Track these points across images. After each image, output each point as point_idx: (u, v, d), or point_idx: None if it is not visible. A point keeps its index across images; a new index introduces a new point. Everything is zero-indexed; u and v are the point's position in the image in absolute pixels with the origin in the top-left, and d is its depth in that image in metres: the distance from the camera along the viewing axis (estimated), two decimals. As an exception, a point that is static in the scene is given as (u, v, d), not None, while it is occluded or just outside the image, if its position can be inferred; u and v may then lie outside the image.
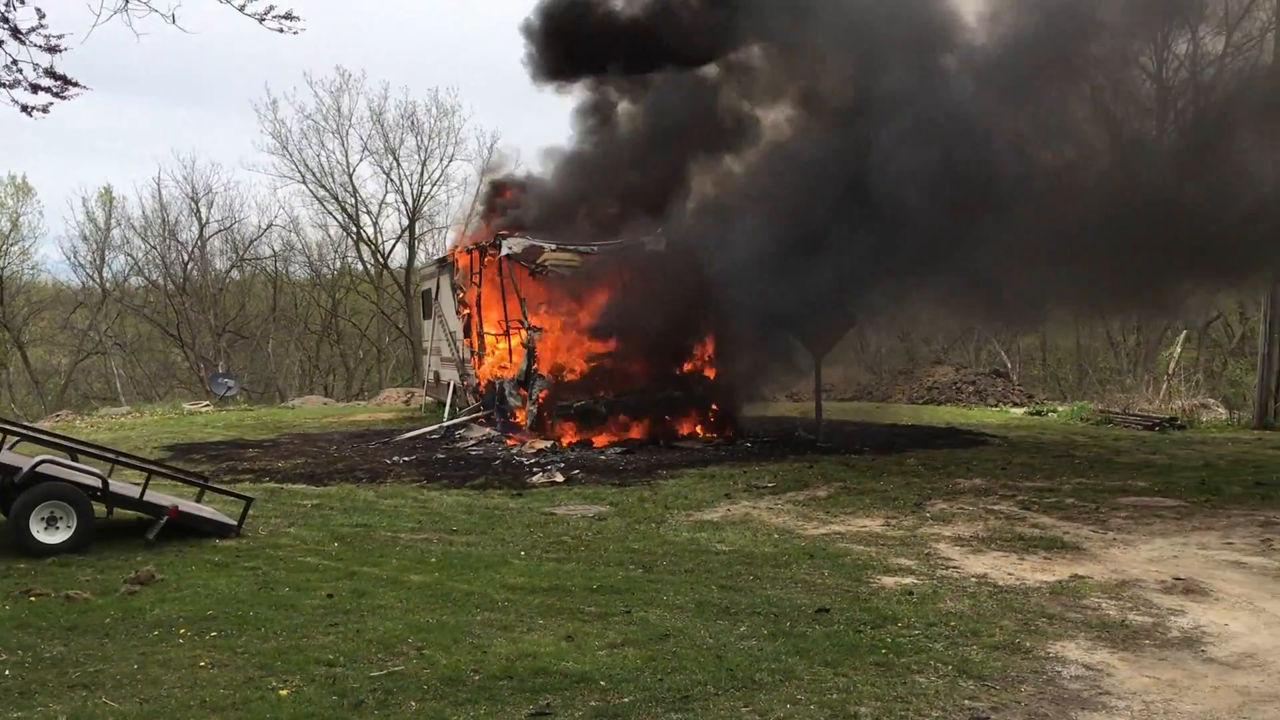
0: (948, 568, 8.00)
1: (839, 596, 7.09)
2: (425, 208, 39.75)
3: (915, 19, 14.64)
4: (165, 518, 8.63)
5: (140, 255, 40.81)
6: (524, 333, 16.22)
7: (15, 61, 7.39)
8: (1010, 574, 7.82)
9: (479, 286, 17.94)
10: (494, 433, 16.69)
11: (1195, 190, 12.98)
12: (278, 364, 40.75)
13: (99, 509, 8.65)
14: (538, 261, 16.54)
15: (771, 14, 15.70)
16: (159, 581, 7.40)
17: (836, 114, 15.45)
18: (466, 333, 18.61)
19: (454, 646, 6.00)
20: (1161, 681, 5.50)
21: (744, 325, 16.05)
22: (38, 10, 7.34)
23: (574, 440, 15.44)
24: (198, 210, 39.88)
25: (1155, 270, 13.93)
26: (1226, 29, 25.16)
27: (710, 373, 16.79)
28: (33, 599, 6.94)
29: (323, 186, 38.57)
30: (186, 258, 40.34)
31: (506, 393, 16.72)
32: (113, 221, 40.60)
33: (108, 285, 41.05)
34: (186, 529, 8.86)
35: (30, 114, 7.35)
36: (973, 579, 7.63)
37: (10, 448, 9.45)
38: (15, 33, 7.33)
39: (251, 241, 40.69)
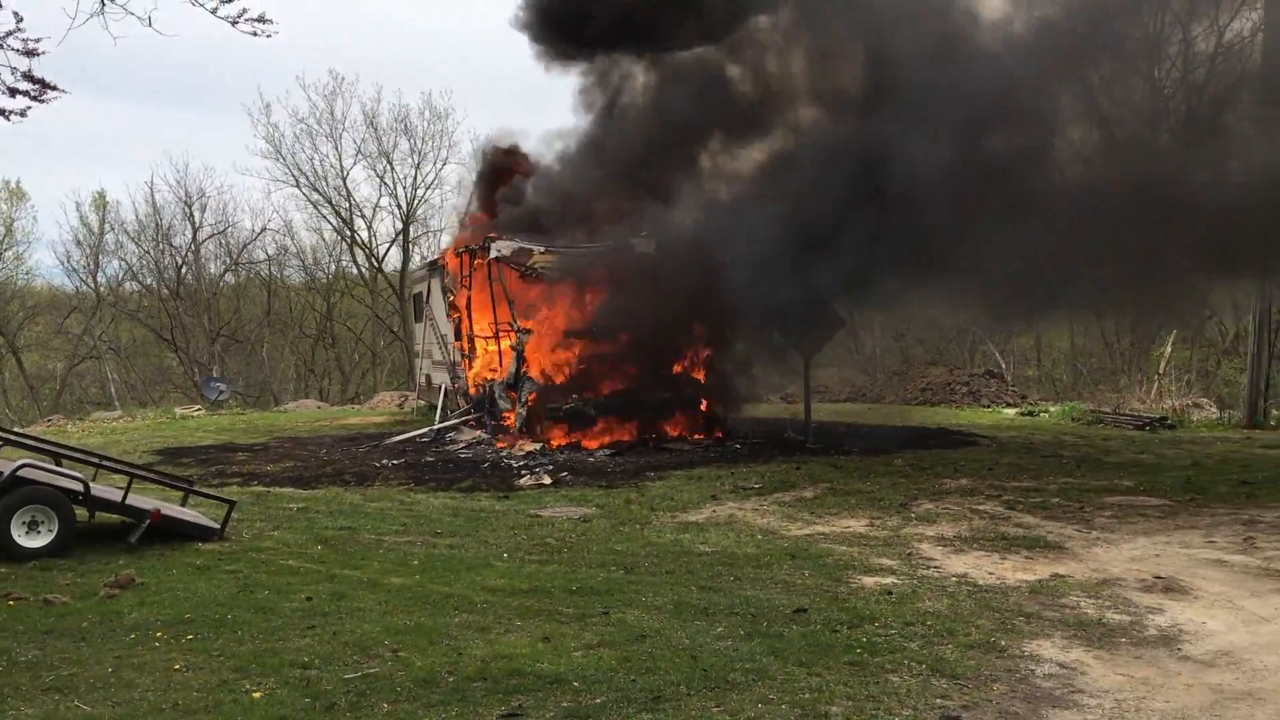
0: (929, 568, 8.01)
1: (818, 597, 7.09)
2: (419, 211, 39.78)
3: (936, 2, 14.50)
4: (147, 521, 8.63)
5: (134, 260, 40.83)
6: (513, 335, 16.23)
7: (-8, 66, 7.39)
8: (991, 573, 7.83)
9: (469, 289, 17.94)
10: (484, 435, 16.70)
11: (1202, 184, 12.92)
12: (272, 368, 40.71)
13: (81, 513, 8.65)
14: (527, 264, 16.55)
15: None
16: (139, 585, 7.39)
17: (849, 101, 15.20)
18: (457, 335, 18.61)
19: (430, 648, 6.00)
20: (1135, 679, 5.51)
21: (736, 325, 16.03)
22: (15, 14, 7.35)
23: (564, 442, 15.45)
24: (191, 214, 39.87)
25: (1169, 266, 13.77)
26: (1218, 30, 25.27)
27: (700, 374, 16.78)
28: (11, 603, 6.94)
29: (316, 190, 38.57)
30: (180, 262, 40.32)
31: (496, 395, 16.73)
32: (106, 226, 40.61)
33: (102, 290, 41.02)
34: (170, 533, 8.85)
35: (8, 118, 7.35)
36: (953, 579, 7.63)
37: (-6, 453, 9.45)
38: (-8, 37, 7.34)
39: (245, 245, 40.71)
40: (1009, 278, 13.78)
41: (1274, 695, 5.30)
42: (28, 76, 7.46)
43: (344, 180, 38.75)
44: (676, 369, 16.81)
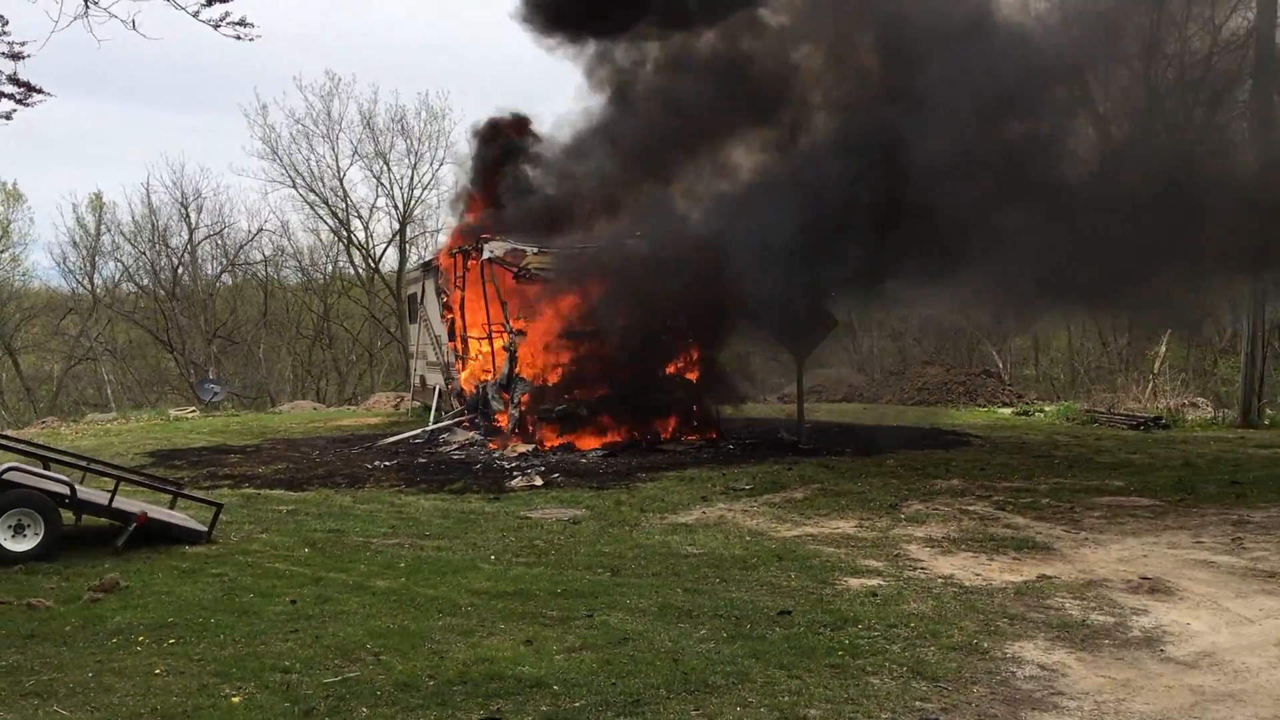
0: (915, 569, 8.00)
1: (803, 598, 7.08)
2: (416, 212, 39.79)
3: None
4: (134, 524, 8.62)
5: (130, 261, 40.82)
6: (506, 336, 16.21)
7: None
8: (978, 574, 7.82)
9: (462, 290, 17.94)
10: (478, 437, 16.69)
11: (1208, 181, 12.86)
12: (269, 369, 40.71)
13: (67, 516, 8.64)
14: (521, 265, 16.53)
15: None
16: (123, 589, 7.38)
17: (868, 80, 14.96)
18: (451, 336, 18.61)
19: (412, 652, 5.99)
20: (1116, 681, 5.50)
21: (734, 322, 15.93)
22: (0, 17, 7.34)
23: (556, 444, 15.43)
24: (187, 215, 39.87)
25: (1176, 263, 13.66)
26: (1213, 28, 25.29)
27: (693, 375, 16.76)
28: (-6, 607, 6.93)
29: (313, 191, 38.59)
30: (176, 263, 40.31)
31: (489, 396, 16.73)
32: (103, 228, 40.60)
33: (98, 291, 41.00)
34: (157, 535, 8.85)
35: (-8, 120, 7.34)
36: (939, 580, 7.63)
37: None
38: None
39: (242, 246, 40.71)
40: (1025, 269, 13.50)
41: (1254, 696, 5.30)
42: (13, 80, 7.47)
43: (340, 181, 38.80)
44: (670, 369, 16.79)
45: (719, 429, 16.58)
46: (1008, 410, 22.92)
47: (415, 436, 17.26)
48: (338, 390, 39.63)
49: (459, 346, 18.27)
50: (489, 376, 17.13)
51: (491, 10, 54.05)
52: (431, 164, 39.03)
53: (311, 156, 38.48)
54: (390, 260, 40.32)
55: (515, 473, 13.22)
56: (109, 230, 40.60)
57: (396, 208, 39.36)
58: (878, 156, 13.26)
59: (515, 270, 16.39)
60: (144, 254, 40.31)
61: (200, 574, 7.93)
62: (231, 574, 7.94)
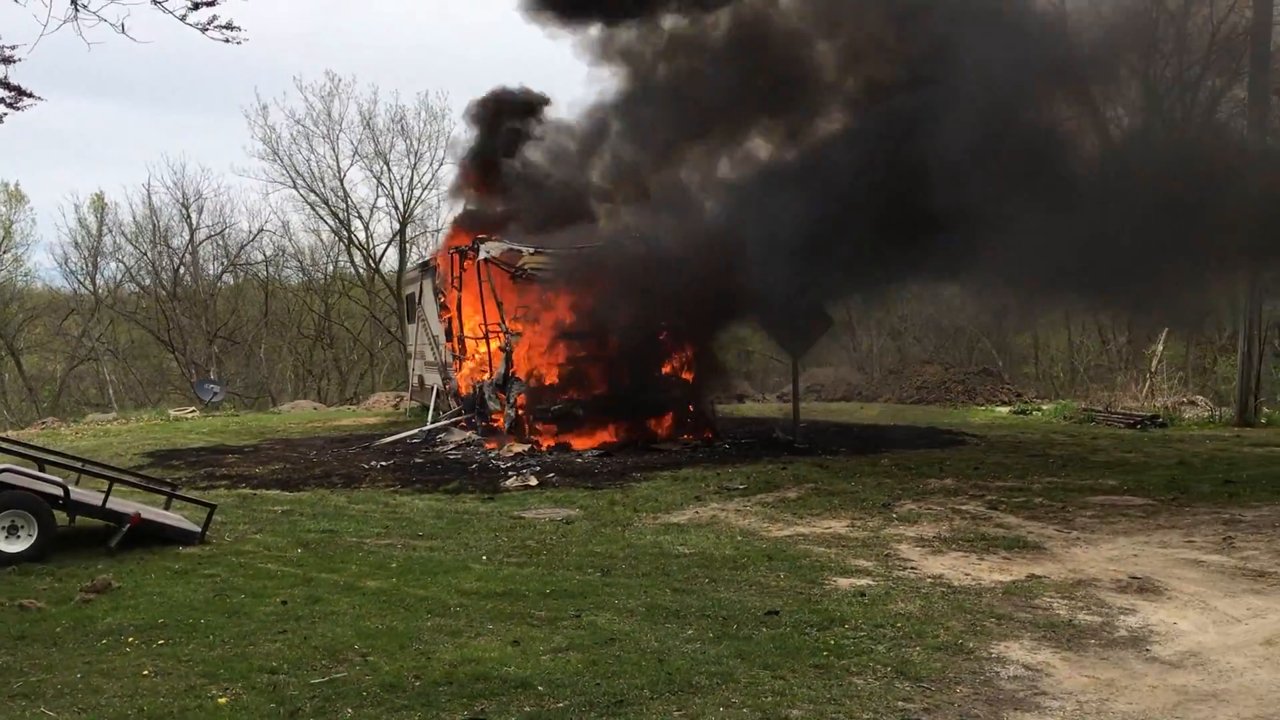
0: (905, 569, 8.02)
1: (791, 598, 7.10)
2: (416, 211, 39.81)
3: None
4: (127, 525, 8.65)
5: (132, 261, 40.87)
6: (502, 337, 16.24)
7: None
8: (967, 574, 7.84)
9: (459, 290, 17.96)
10: (475, 436, 16.72)
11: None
12: (270, 369, 40.75)
13: (61, 517, 8.67)
14: (517, 266, 16.55)
15: None
16: (115, 590, 7.42)
17: (895, 63, 14.74)
18: (448, 336, 18.63)
19: (399, 653, 6.02)
20: (1100, 681, 5.52)
21: (733, 320, 15.89)
22: (-10, 22, 7.37)
23: (552, 444, 15.46)
24: (188, 216, 39.89)
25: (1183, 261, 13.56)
26: (1212, 24, 25.31)
27: (689, 375, 16.78)
28: (-14, 608, 6.97)
29: (314, 191, 38.60)
30: (178, 263, 40.35)
31: (486, 396, 16.76)
32: (105, 228, 40.65)
33: (100, 292, 41.06)
34: (151, 536, 8.88)
35: (-17, 124, 7.36)
36: (928, 580, 7.65)
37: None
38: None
39: (243, 246, 40.71)
40: (1042, 262, 13.28)
41: (1237, 696, 5.32)
42: (3, 84, 7.49)
43: (341, 181, 38.82)
44: (666, 369, 16.82)
45: (715, 428, 16.60)
46: (1005, 409, 22.91)
47: (412, 436, 17.29)
48: (339, 390, 39.66)
49: (456, 347, 18.29)
50: (486, 376, 17.16)
51: (490, 10, 53.97)
52: (431, 164, 39.07)
53: (312, 157, 38.55)
54: (391, 260, 40.40)
55: (511, 473, 13.25)
56: (110, 231, 40.69)
57: (397, 208, 39.42)
58: (894, 144, 13.07)
59: (512, 270, 16.42)
60: (145, 254, 40.36)
61: (192, 575, 7.97)
62: (224, 575, 7.97)
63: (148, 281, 40.78)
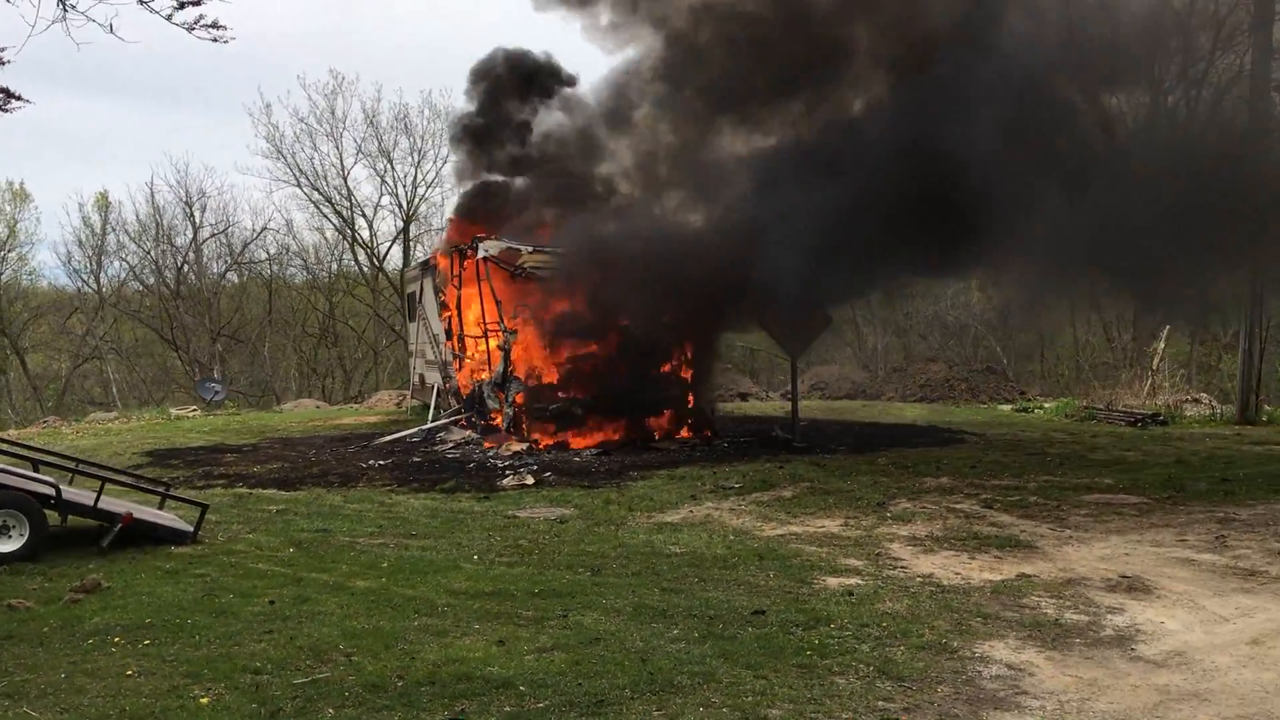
0: (895, 568, 8.01)
1: (779, 598, 7.10)
2: (420, 209, 39.88)
3: None
4: (119, 525, 8.67)
5: (135, 260, 41.00)
6: (501, 335, 16.24)
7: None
8: (957, 573, 7.82)
9: (459, 289, 17.97)
10: (474, 435, 16.74)
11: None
12: (274, 367, 40.83)
13: (53, 517, 8.69)
14: (516, 264, 16.55)
15: None
16: (104, 590, 7.43)
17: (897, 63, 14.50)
18: (448, 335, 18.65)
19: (384, 653, 6.02)
20: (1082, 681, 5.51)
21: (736, 317, 15.79)
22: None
23: (550, 442, 15.46)
24: (192, 214, 40.02)
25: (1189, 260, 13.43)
26: (1215, 24, 25.21)
27: (687, 373, 16.77)
28: (-25, 608, 6.99)
29: (317, 190, 38.72)
30: (181, 262, 40.46)
31: (485, 395, 16.77)
32: (108, 227, 40.77)
33: (104, 291, 41.18)
34: (143, 536, 8.90)
35: (-27, 126, 7.38)
36: (918, 579, 7.63)
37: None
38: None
39: (246, 245, 40.85)
40: (1070, 250, 13.10)
41: (1219, 696, 5.30)
42: (-8, 87, 7.49)
43: (345, 179, 38.93)
44: (665, 367, 16.80)
45: (714, 427, 16.59)
46: (1007, 407, 22.88)
47: (412, 435, 17.31)
48: (343, 389, 39.75)
49: (456, 345, 18.30)
50: (485, 375, 17.17)
51: (493, 8, 53.95)
52: (435, 162, 39.13)
53: (315, 155, 38.88)
54: (395, 258, 40.49)
55: (508, 472, 13.25)
56: (114, 230, 40.82)
57: (400, 206, 39.51)
58: (930, 123, 12.79)
59: (511, 269, 16.43)
60: (149, 253, 40.54)
61: (183, 575, 7.98)
62: (214, 574, 7.98)
63: (151, 280, 40.97)
